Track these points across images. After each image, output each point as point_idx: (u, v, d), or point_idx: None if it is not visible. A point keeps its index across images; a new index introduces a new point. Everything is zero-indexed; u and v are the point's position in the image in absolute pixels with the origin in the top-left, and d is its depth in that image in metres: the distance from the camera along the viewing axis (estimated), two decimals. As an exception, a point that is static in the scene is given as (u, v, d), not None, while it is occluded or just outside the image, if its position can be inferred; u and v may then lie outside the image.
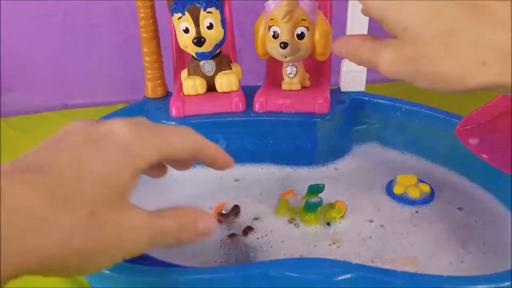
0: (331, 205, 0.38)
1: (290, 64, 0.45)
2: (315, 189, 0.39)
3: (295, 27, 0.42)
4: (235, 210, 0.40)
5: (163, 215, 0.25)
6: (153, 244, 0.25)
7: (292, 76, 0.45)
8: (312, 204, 0.37)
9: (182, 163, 0.33)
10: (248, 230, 0.37)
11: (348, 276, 0.27)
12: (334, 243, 0.36)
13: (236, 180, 0.45)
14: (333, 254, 0.35)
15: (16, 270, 0.20)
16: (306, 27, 0.42)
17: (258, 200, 0.42)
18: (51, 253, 0.21)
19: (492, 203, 0.40)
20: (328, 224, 0.37)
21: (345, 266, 0.28)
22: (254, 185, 0.44)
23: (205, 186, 0.44)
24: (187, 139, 0.28)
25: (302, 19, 0.42)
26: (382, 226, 0.38)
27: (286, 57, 0.43)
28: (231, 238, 0.37)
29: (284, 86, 0.46)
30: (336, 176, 0.45)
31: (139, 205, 0.25)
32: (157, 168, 0.31)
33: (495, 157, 0.39)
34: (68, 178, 0.22)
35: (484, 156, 0.40)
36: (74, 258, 0.22)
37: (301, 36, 0.42)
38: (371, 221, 0.39)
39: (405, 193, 0.41)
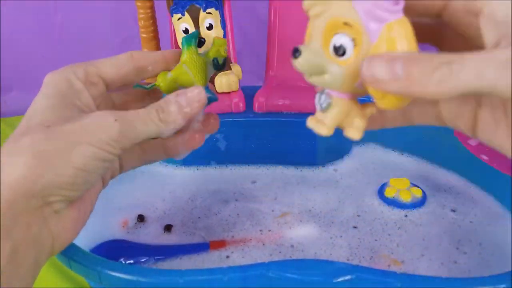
0: (212, 43, 0.32)
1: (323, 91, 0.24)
2: (189, 36, 0.31)
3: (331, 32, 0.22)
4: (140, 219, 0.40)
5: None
6: (129, 126, 0.25)
7: (322, 108, 0.23)
8: (190, 35, 0.31)
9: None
10: (169, 227, 0.38)
11: (347, 277, 0.27)
12: (292, 246, 0.36)
13: (232, 181, 0.45)
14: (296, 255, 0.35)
15: (14, 196, 0.22)
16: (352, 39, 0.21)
17: (258, 200, 0.42)
18: (30, 166, 0.23)
19: (491, 204, 0.40)
20: (216, 63, 0.32)
21: (345, 267, 0.27)
22: (251, 185, 0.44)
23: (203, 186, 0.44)
24: (121, 55, 0.30)
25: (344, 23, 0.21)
26: (355, 227, 0.38)
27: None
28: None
29: (310, 123, 0.24)
30: (333, 177, 0.45)
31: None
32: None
33: (495, 158, 0.39)
34: (21, 125, 0.26)
35: (484, 157, 0.40)
36: (53, 159, 0.23)
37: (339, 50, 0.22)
38: (348, 222, 0.39)
39: (396, 196, 0.41)
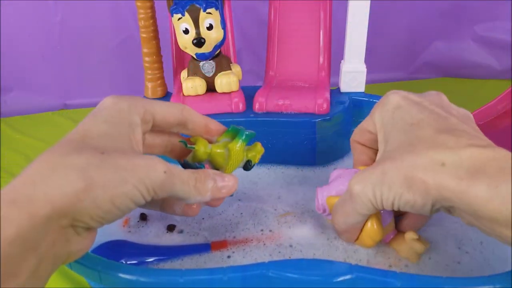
0: (253, 145, 0.36)
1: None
2: (237, 129, 0.35)
3: None
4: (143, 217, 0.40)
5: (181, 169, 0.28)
6: (171, 182, 0.27)
7: None
8: (250, 135, 0.34)
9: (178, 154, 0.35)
10: (172, 227, 0.38)
11: (347, 277, 0.27)
12: (291, 245, 0.36)
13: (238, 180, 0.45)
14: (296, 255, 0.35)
15: (52, 212, 0.22)
16: None
17: (257, 200, 0.42)
18: (76, 189, 0.23)
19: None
20: (248, 164, 0.35)
21: (345, 267, 0.27)
22: (253, 185, 0.44)
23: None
24: (174, 104, 0.32)
25: None
26: None
27: None
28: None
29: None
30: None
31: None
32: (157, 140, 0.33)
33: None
34: (74, 138, 0.26)
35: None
36: (98, 189, 0.24)
37: None
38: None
39: None
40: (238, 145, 0.33)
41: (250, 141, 0.35)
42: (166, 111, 0.31)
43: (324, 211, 0.35)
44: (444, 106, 0.30)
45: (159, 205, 0.33)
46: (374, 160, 0.35)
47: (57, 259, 0.24)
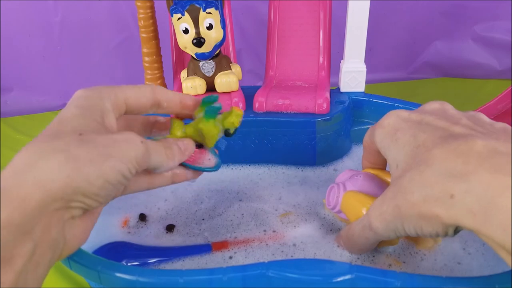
0: (229, 112, 0.35)
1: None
2: (209, 100, 0.34)
3: None
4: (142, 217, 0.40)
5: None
6: (147, 153, 0.28)
7: None
8: (213, 109, 0.33)
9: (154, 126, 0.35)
10: (171, 227, 0.38)
11: (347, 277, 0.27)
12: (294, 244, 0.36)
13: (235, 181, 0.45)
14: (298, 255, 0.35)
15: (44, 195, 0.22)
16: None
17: (258, 200, 0.42)
18: (65, 170, 0.23)
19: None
20: (227, 132, 0.35)
21: (345, 266, 0.28)
22: (254, 185, 0.44)
23: (205, 186, 0.44)
24: (145, 86, 0.32)
25: None
26: None
27: None
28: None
29: None
30: (334, 178, 0.45)
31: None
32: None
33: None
34: (50, 128, 0.26)
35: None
36: (87, 166, 0.24)
37: None
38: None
39: None
40: (210, 123, 0.33)
41: (219, 111, 0.34)
42: (138, 94, 0.31)
43: (335, 207, 0.36)
44: (449, 117, 0.29)
45: (170, 180, 0.33)
46: (382, 165, 0.35)
47: (54, 245, 0.24)
